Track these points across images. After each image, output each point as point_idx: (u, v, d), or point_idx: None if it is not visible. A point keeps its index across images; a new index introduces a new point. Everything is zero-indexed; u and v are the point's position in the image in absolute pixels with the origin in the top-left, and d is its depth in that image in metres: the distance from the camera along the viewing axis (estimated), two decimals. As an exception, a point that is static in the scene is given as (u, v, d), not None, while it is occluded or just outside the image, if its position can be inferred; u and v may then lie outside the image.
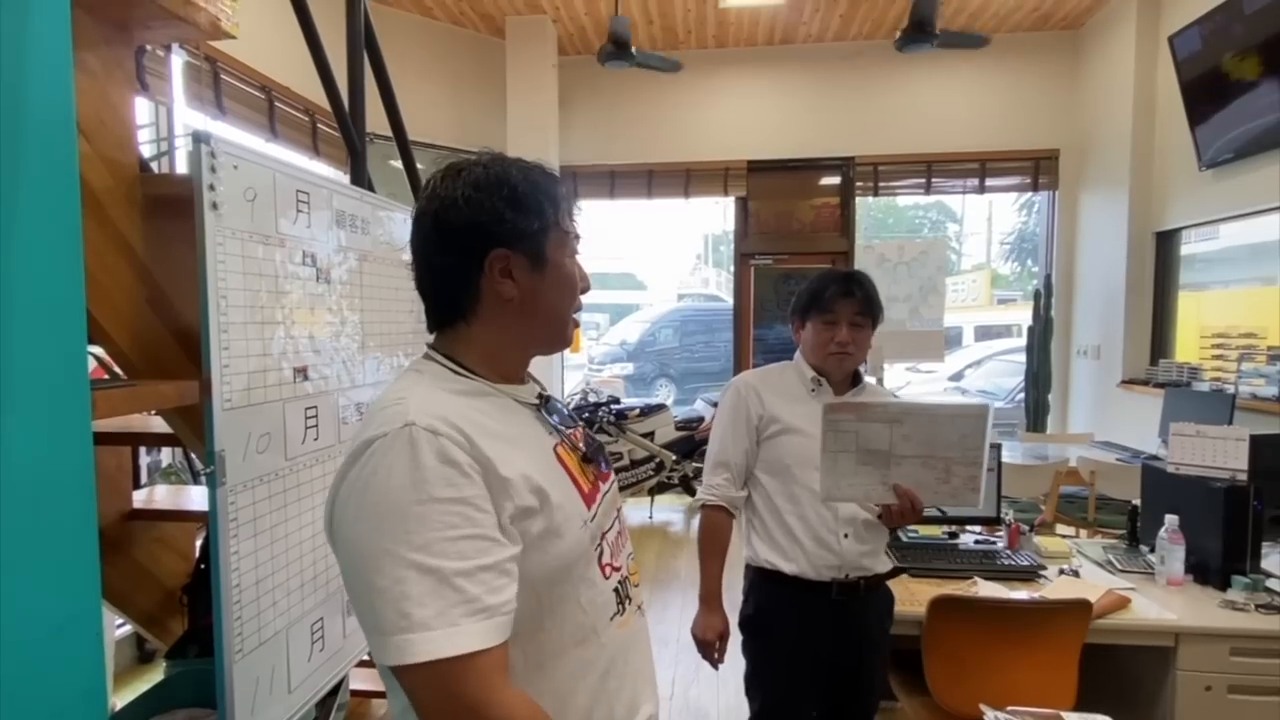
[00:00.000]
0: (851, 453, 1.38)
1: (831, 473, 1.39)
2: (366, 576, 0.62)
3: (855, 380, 1.62)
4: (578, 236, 0.83)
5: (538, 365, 0.85)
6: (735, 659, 1.65)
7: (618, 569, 0.83)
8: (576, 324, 0.85)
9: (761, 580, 1.59)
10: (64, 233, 0.63)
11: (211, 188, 1.05)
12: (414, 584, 0.60)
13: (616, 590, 0.81)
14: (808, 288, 1.60)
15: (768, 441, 1.58)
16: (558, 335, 0.83)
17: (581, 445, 0.84)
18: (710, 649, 1.59)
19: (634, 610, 0.84)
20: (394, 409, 0.68)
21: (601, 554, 0.80)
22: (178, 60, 3.02)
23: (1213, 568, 1.92)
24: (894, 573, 1.63)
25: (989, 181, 5.22)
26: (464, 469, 0.65)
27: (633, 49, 4.02)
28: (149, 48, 2.40)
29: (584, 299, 0.85)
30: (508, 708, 0.62)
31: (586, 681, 0.75)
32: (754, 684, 1.63)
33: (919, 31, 3.59)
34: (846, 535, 1.52)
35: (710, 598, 1.60)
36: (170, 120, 3.07)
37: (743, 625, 1.63)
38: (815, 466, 1.41)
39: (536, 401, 0.82)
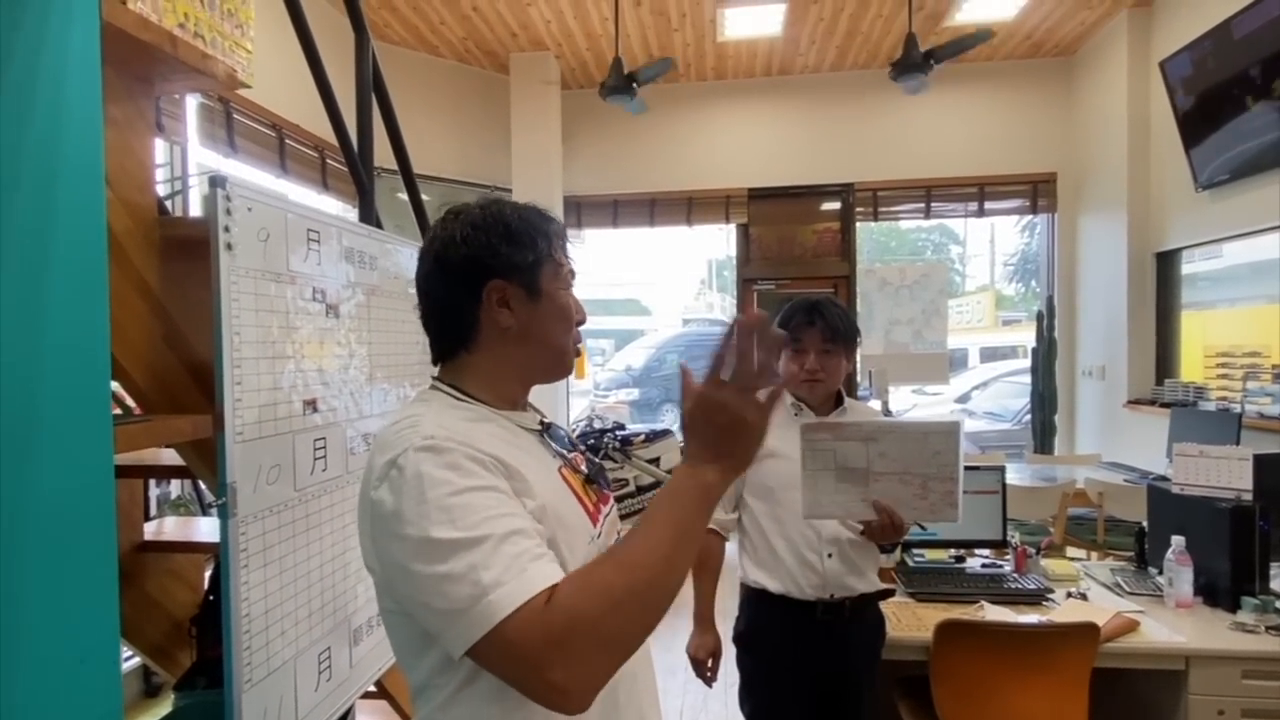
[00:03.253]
0: (830, 471, 1.42)
1: (812, 491, 1.43)
2: (430, 571, 0.64)
3: (838, 402, 1.67)
4: (572, 271, 0.87)
5: (542, 391, 0.89)
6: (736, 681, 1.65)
7: None
8: (578, 353, 0.88)
9: (752, 598, 1.65)
10: (91, 278, 0.67)
11: (226, 229, 1.09)
12: (476, 554, 0.63)
13: None
14: (778, 318, 1.66)
15: (752, 466, 1.61)
16: (556, 363, 0.87)
17: (583, 468, 0.88)
18: (703, 667, 1.65)
19: None
20: (409, 431, 0.71)
21: None
22: (192, 102, 3.12)
23: (1221, 589, 1.90)
24: (883, 594, 1.65)
25: (988, 205, 5.27)
26: (488, 466, 0.70)
27: (634, 74, 4.09)
28: (166, 92, 2.48)
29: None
30: (568, 606, 0.62)
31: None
32: (745, 696, 1.70)
33: (909, 68, 3.70)
34: (830, 555, 1.56)
35: (703, 618, 1.66)
36: (184, 160, 3.16)
37: (735, 640, 1.69)
38: (798, 488, 1.46)
39: (539, 428, 0.86)
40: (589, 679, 0.62)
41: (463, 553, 0.63)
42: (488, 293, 0.80)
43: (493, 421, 0.80)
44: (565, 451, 0.87)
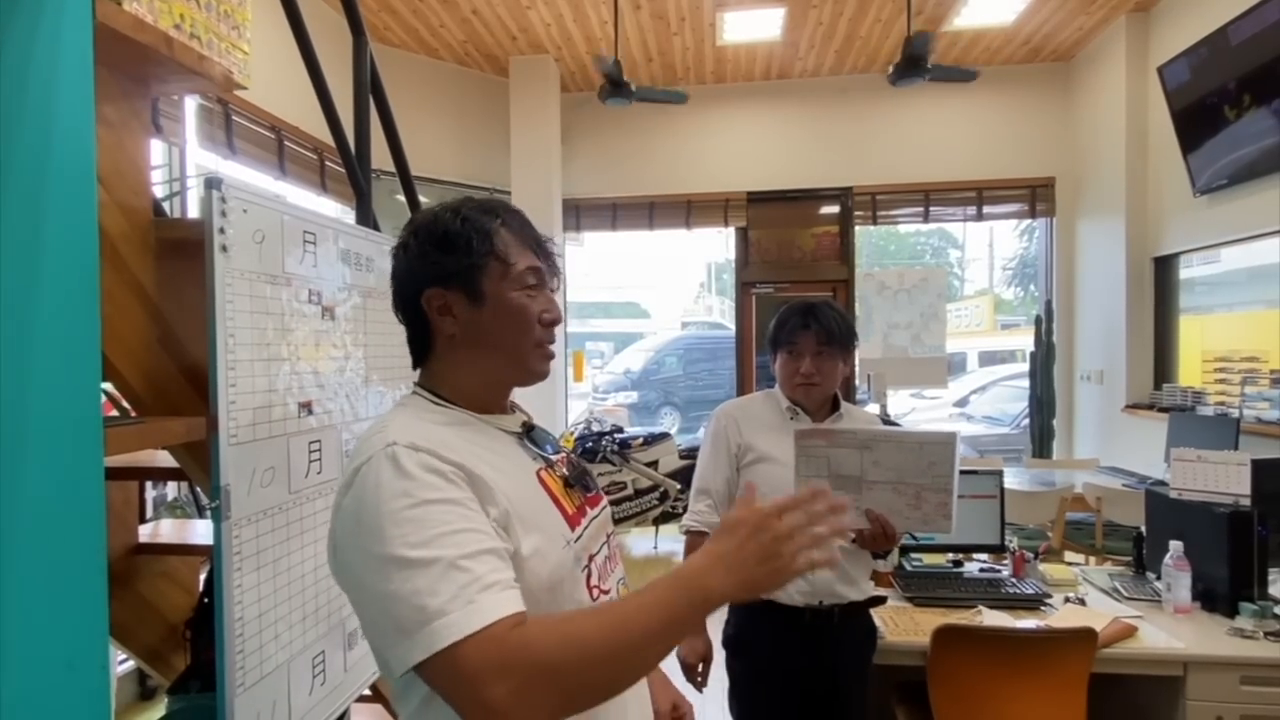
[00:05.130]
0: (824, 478, 1.40)
1: None
2: (377, 588, 0.64)
3: (835, 406, 1.66)
4: (533, 268, 0.83)
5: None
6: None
7: (606, 592, 0.84)
8: (548, 355, 0.84)
9: (740, 602, 1.62)
10: (82, 279, 0.67)
11: (222, 231, 1.09)
12: (422, 577, 0.62)
13: None
14: (774, 320, 1.65)
15: (746, 469, 1.63)
16: (515, 367, 0.83)
17: (564, 470, 0.86)
18: (692, 671, 1.64)
19: None
20: (376, 437, 0.72)
21: (589, 576, 0.81)
22: (190, 103, 3.12)
23: (1220, 594, 1.90)
24: (874, 601, 1.64)
25: (986, 209, 5.28)
26: (448, 476, 0.69)
27: (632, 86, 4.12)
28: (164, 93, 2.48)
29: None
30: (534, 644, 0.62)
31: None
32: (733, 700, 1.69)
33: (911, 66, 3.69)
34: None
35: None
36: (183, 161, 3.16)
37: (724, 644, 1.68)
38: (790, 494, 1.43)
39: (519, 430, 0.85)
40: (531, 714, 0.61)
41: (410, 573, 0.62)
42: (426, 301, 0.80)
43: (467, 425, 0.79)
44: (548, 454, 0.86)
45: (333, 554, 0.72)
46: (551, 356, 0.85)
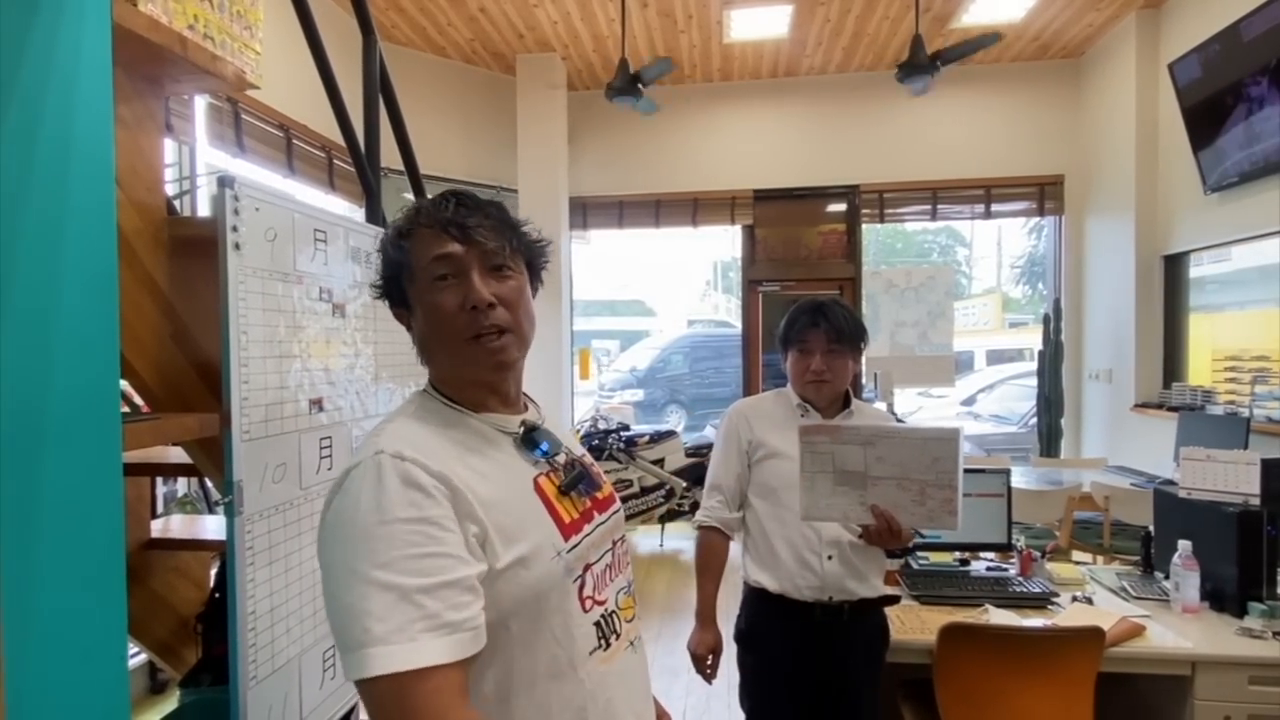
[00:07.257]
0: (829, 473, 1.41)
1: (810, 493, 1.43)
2: (336, 594, 0.65)
3: (845, 404, 1.67)
4: (442, 256, 0.77)
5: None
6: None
7: (601, 602, 0.80)
8: (491, 346, 0.78)
9: (752, 597, 1.66)
10: (102, 278, 0.68)
11: (234, 229, 1.10)
12: (375, 600, 0.62)
13: (598, 624, 0.79)
14: (784, 319, 1.67)
15: (757, 466, 1.65)
16: (466, 365, 0.80)
17: (560, 477, 0.83)
18: (703, 663, 1.66)
19: (623, 646, 0.82)
20: (371, 440, 0.73)
21: (583, 586, 0.78)
22: (201, 102, 3.14)
23: (1228, 594, 1.89)
24: (886, 600, 1.64)
25: (995, 207, 5.25)
26: (428, 491, 0.68)
27: (640, 74, 4.09)
28: (175, 92, 2.49)
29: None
30: None
31: (563, 717, 0.74)
32: (744, 695, 1.70)
33: (917, 64, 3.68)
34: (830, 557, 1.56)
35: (704, 615, 1.67)
36: (193, 160, 3.18)
37: (735, 638, 1.70)
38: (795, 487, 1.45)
39: (518, 430, 0.82)
40: None
41: (367, 590, 0.62)
42: (396, 317, 0.85)
43: (465, 427, 0.78)
44: (551, 457, 0.82)
45: (318, 549, 0.72)
46: (497, 344, 0.78)
